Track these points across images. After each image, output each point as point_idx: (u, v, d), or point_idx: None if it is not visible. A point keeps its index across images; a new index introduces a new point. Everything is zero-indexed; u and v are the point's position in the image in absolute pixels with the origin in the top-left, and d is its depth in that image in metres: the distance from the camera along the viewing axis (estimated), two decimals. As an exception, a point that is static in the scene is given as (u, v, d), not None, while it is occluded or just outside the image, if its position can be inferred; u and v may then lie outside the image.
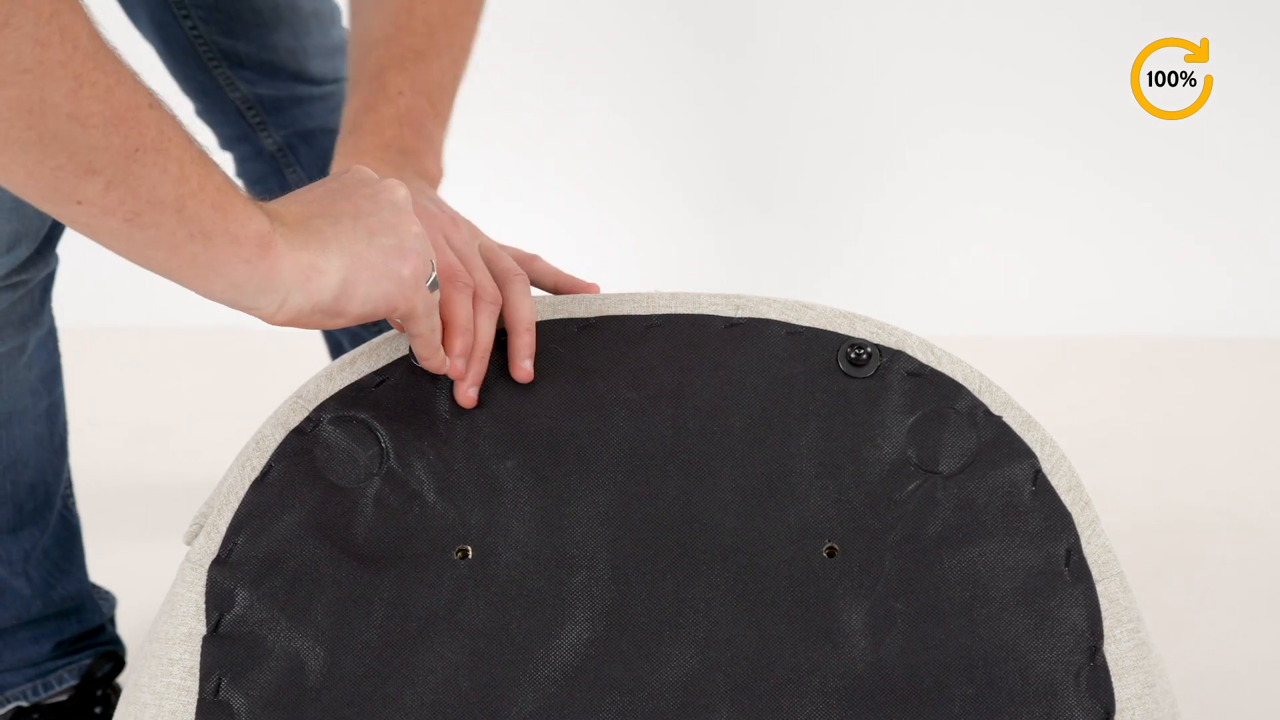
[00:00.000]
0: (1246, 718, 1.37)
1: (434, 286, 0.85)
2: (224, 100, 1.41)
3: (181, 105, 1.44)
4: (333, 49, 1.42)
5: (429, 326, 0.85)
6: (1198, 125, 2.02)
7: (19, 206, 1.01)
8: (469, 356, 0.88)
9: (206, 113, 1.45)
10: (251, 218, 0.74)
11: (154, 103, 0.70)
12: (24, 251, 1.03)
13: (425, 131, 1.01)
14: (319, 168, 1.44)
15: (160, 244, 0.72)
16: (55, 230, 1.09)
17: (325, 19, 1.41)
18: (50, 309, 1.16)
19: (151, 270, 0.74)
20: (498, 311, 0.91)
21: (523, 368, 0.90)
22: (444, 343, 0.88)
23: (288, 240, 0.76)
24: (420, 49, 1.03)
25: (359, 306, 0.80)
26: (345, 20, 1.33)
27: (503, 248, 0.97)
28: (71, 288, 1.24)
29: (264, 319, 0.78)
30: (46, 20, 0.64)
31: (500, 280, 0.93)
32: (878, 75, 2.31)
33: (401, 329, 0.88)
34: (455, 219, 0.96)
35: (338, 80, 1.44)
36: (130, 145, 0.68)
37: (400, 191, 0.84)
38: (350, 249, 0.79)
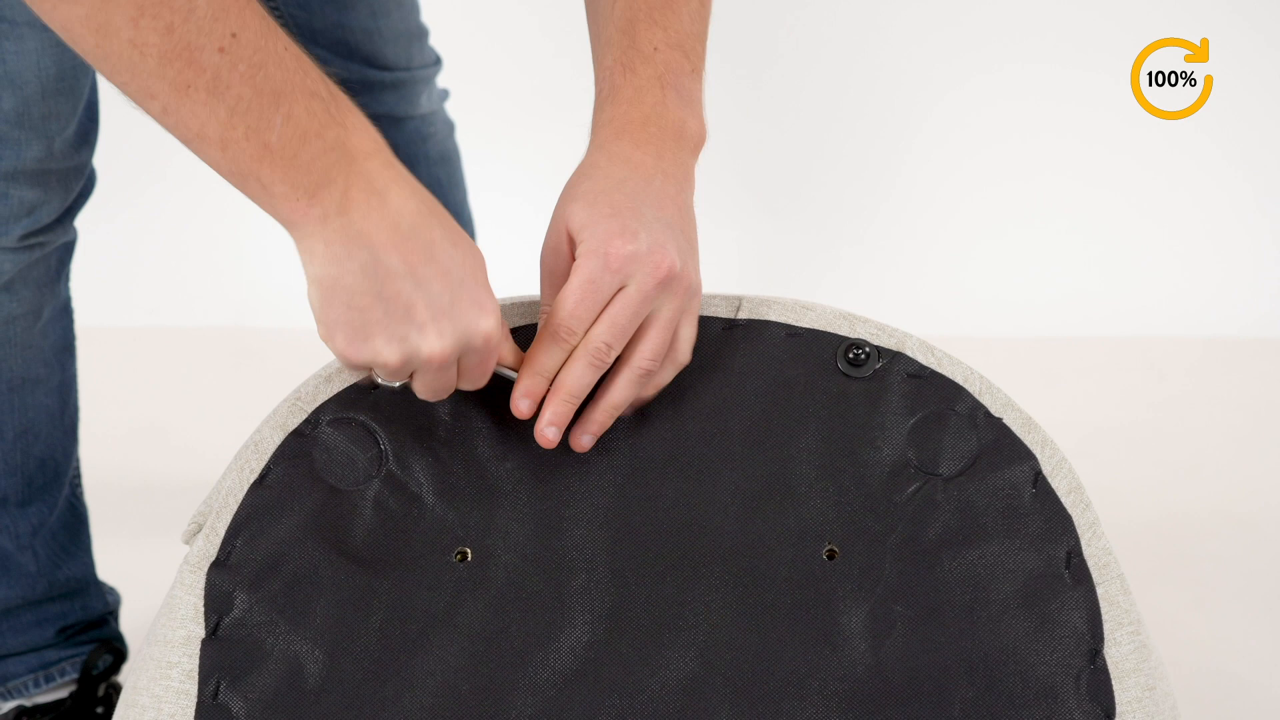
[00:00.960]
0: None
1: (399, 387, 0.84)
2: None
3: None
4: (410, 35, 1.41)
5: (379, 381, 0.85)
6: (1198, 125, 2.02)
7: (41, 178, 1.05)
8: (534, 397, 0.85)
9: None
10: (289, 180, 0.77)
11: (228, 46, 0.74)
12: (44, 217, 1.09)
13: (685, 91, 0.93)
14: None
15: (211, 166, 0.78)
16: (76, 203, 1.14)
17: (406, 4, 1.40)
18: (67, 285, 1.20)
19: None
20: (600, 371, 0.85)
21: (580, 439, 0.87)
22: (520, 380, 0.85)
23: (325, 218, 0.78)
24: None
25: (324, 330, 0.80)
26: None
27: (680, 334, 0.89)
28: (76, 288, 1.24)
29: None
30: None
31: (624, 360, 0.86)
32: (878, 75, 2.31)
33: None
34: (660, 269, 0.85)
35: (410, 69, 1.43)
36: (183, 81, 0.74)
37: (482, 326, 0.81)
38: (341, 280, 0.78)
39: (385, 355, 0.80)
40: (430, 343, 0.79)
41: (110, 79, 0.76)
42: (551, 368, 0.85)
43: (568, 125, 1.02)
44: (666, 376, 0.88)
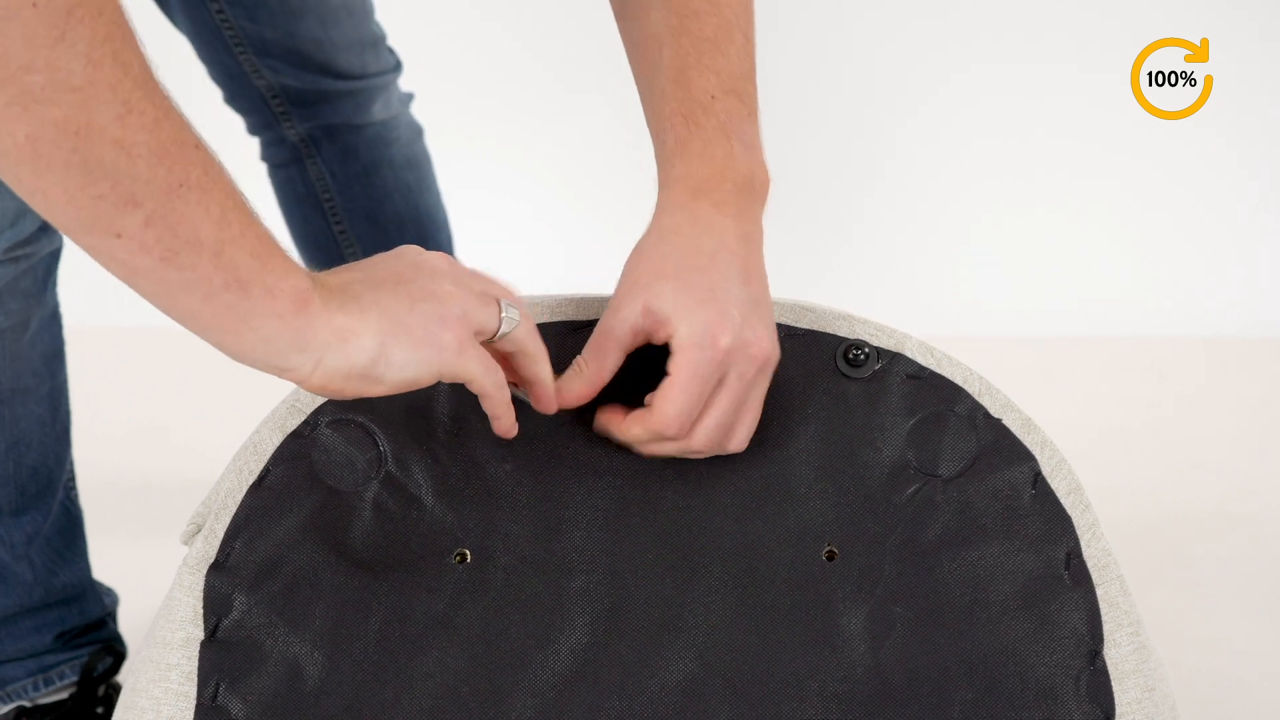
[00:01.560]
0: None
1: (513, 314, 0.81)
2: (249, 87, 1.41)
3: (211, 93, 1.45)
4: (363, 43, 1.42)
5: (492, 384, 0.80)
6: (1198, 125, 2.02)
7: None
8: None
9: (233, 99, 1.45)
10: (290, 273, 0.73)
11: (199, 143, 0.69)
12: (28, 226, 1.06)
13: (747, 139, 0.90)
14: (340, 161, 1.44)
15: (194, 289, 0.70)
16: None
17: (356, 12, 1.40)
18: (54, 292, 1.19)
19: (182, 322, 0.72)
20: (683, 451, 0.85)
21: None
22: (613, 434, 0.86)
23: (325, 301, 0.74)
24: (712, 35, 0.93)
25: (397, 372, 0.76)
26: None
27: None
28: (71, 288, 1.24)
29: (299, 381, 0.76)
30: (101, 42, 0.64)
31: (705, 422, 0.84)
32: (877, 75, 2.31)
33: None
34: (750, 349, 0.84)
35: (365, 76, 1.43)
36: (175, 180, 0.68)
37: (441, 263, 0.80)
38: (389, 313, 0.76)
39: (455, 295, 0.78)
40: (444, 265, 0.79)
41: (70, 200, 0.66)
42: (649, 452, 0.85)
43: (547, 128, 1.02)
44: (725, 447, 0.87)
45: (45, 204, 0.67)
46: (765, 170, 0.90)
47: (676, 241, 0.85)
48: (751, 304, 0.84)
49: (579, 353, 0.87)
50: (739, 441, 0.85)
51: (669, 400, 0.82)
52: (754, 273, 0.86)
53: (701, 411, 0.83)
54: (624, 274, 0.86)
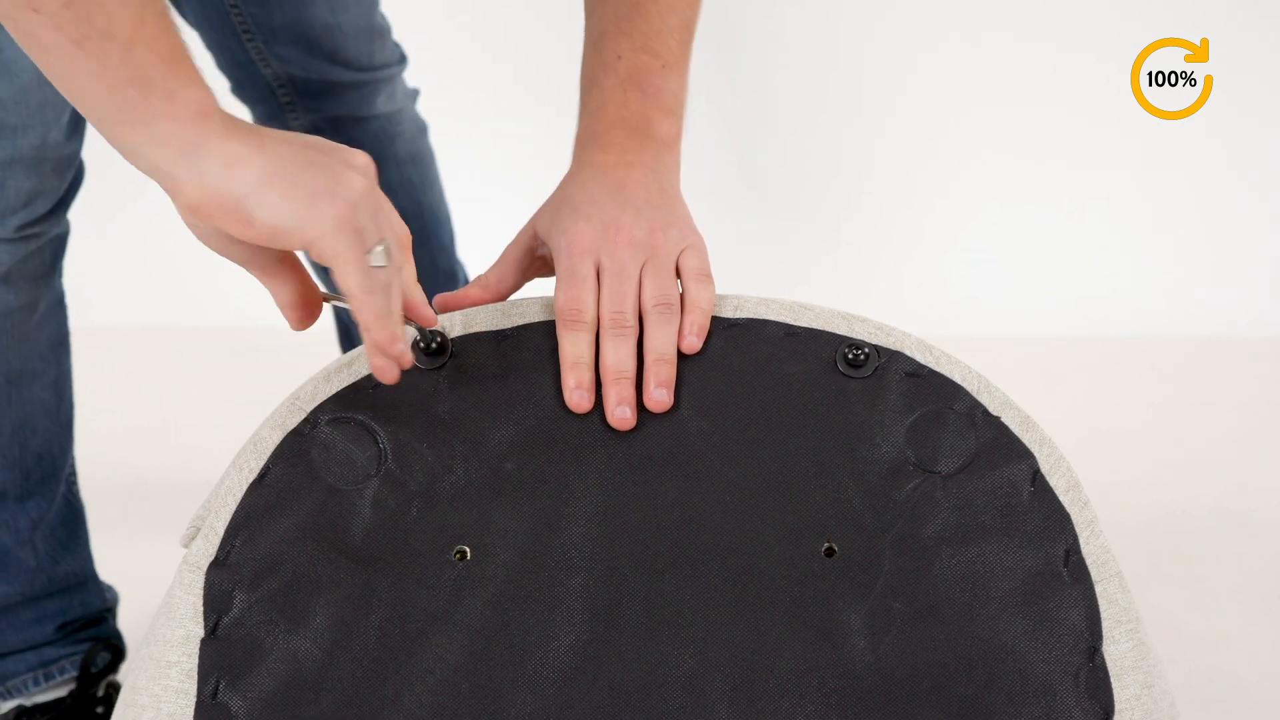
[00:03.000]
0: (1246, 718, 1.37)
1: (382, 258, 0.82)
2: (257, 76, 1.41)
3: (218, 83, 1.45)
4: (370, 31, 1.41)
5: (360, 286, 0.81)
6: (1198, 125, 2.02)
7: (37, 167, 1.05)
8: (584, 386, 0.89)
9: (240, 89, 1.45)
10: (193, 84, 0.75)
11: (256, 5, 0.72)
12: (40, 208, 1.09)
13: (652, 90, 0.98)
14: None
15: (100, 77, 0.72)
16: (69, 194, 1.14)
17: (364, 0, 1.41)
18: (60, 279, 1.20)
19: (85, 110, 0.74)
20: (632, 340, 0.90)
21: (655, 397, 0.89)
22: (564, 375, 0.89)
23: (225, 125, 0.76)
24: (635, 1, 1.00)
25: (268, 215, 0.77)
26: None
27: (684, 262, 0.94)
28: (74, 286, 1.25)
29: (179, 194, 0.77)
30: None
31: (646, 308, 0.92)
32: (877, 75, 2.31)
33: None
34: (622, 234, 0.93)
35: (373, 68, 1.43)
36: None
37: (359, 159, 0.83)
38: (280, 159, 0.78)
39: (355, 182, 0.80)
40: (353, 159, 0.82)
41: None
42: (579, 354, 0.89)
43: (549, 125, 1.04)
44: (704, 294, 0.92)
45: None
46: (672, 117, 0.99)
47: (562, 184, 0.96)
48: (618, 204, 0.93)
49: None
50: (652, 299, 0.91)
51: (556, 295, 0.91)
52: (633, 185, 0.94)
53: (599, 293, 0.91)
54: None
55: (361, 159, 0.84)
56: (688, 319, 0.91)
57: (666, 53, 1.00)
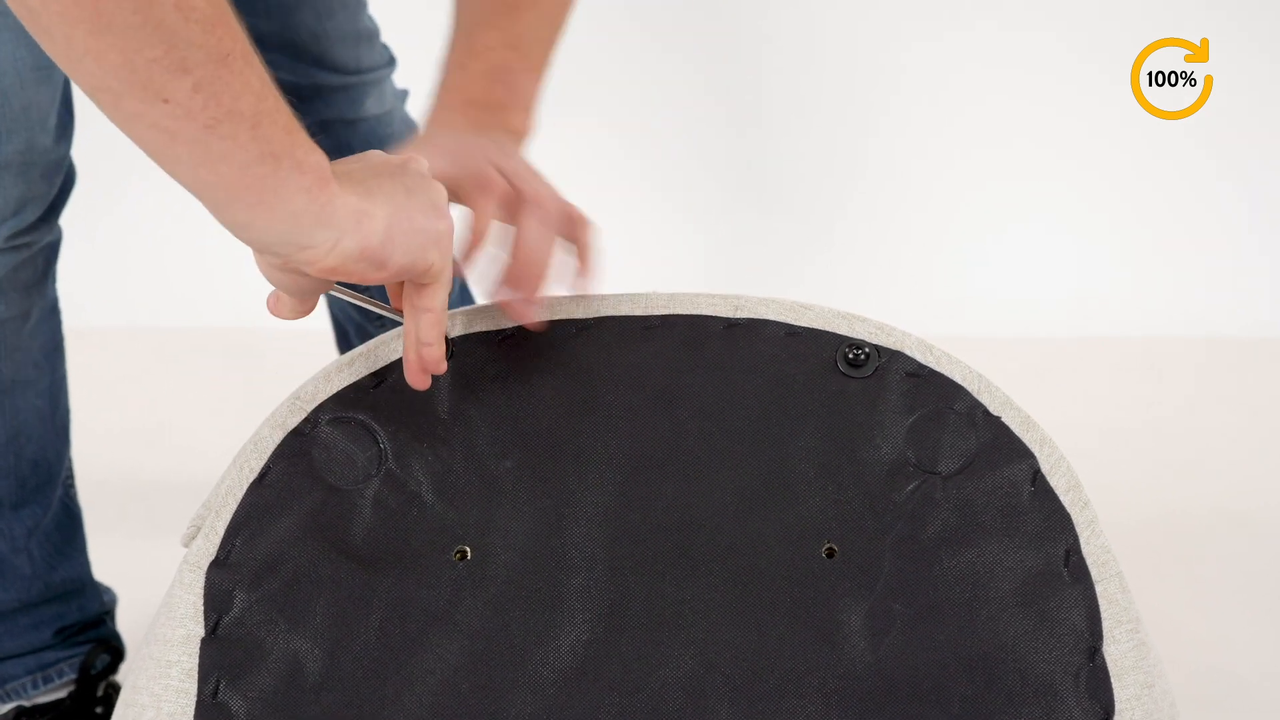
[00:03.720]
0: (1246, 718, 1.36)
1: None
2: None
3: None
4: (358, 36, 1.41)
5: (443, 301, 0.84)
6: (1198, 125, 2.02)
7: (25, 173, 1.04)
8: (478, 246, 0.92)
9: None
10: (314, 150, 0.76)
11: (240, 19, 0.72)
12: (30, 215, 1.07)
13: (513, 85, 1.01)
14: (334, 156, 1.44)
15: (232, 158, 0.72)
16: (59, 200, 1.12)
17: (351, 5, 1.40)
18: (54, 284, 1.19)
19: (213, 193, 0.74)
20: (551, 228, 0.93)
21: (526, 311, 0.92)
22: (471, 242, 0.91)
23: (340, 181, 0.78)
24: (512, 2, 1.03)
25: (401, 256, 0.80)
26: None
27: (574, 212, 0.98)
28: (71, 288, 1.24)
29: (313, 262, 0.77)
30: None
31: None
32: (877, 75, 2.31)
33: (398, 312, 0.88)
34: (515, 159, 0.97)
35: (360, 71, 1.43)
36: (224, 49, 0.70)
37: (423, 163, 0.86)
38: (392, 199, 0.80)
39: (450, 226, 0.83)
40: (442, 192, 0.84)
41: (127, 61, 0.68)
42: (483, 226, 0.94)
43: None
44: (542, 190, 0.95)
45: (97, 67, 0.68)
46: (527, 117, 1.02)
47: (416, 139, 0.98)
48: (491, 144, 0.96)
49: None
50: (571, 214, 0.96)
51: (464, 184, 0.94)
52: (411, 164, 0.92)
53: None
54: None
55: (424, 163, 0.86)
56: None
57: (534, 57, 1.03)
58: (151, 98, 0.69)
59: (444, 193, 0.84)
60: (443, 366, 0.86)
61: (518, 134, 1.01)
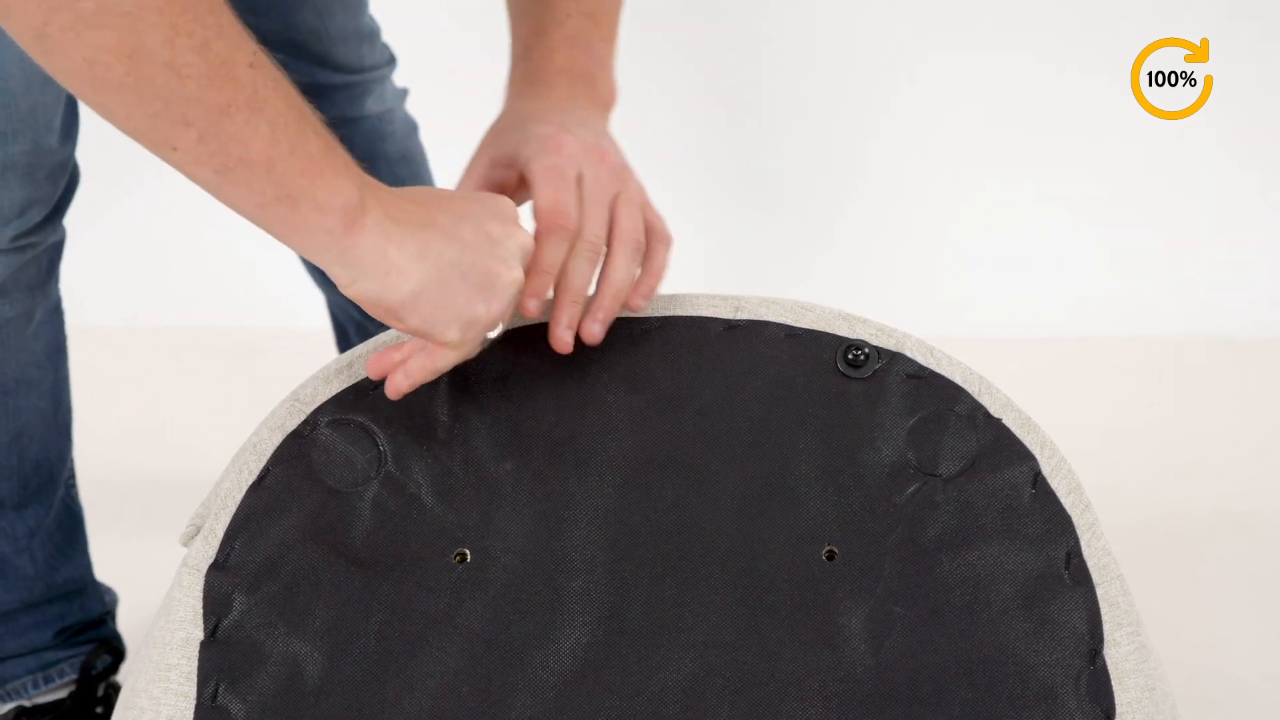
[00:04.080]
0: None
1: (490, 341, 0.85)
2: None
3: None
4: (359, 35, 1.41)
5: (447, 365, 0.85)
6: (1198, 125, 2.01)
7: (31, 174, 1.05)
8: (540, 294, 0.88)
9: None
10: (340, 191, 0.75)
11: (256, 62, 0.73)
12: (35, 216, 1.07)
13: (595, 52, 1.00)
14: None
15: (249, 200, 0.74)
16: (63, 200, 1.12)
17: (352, 4, 1.40)
18: (57, 285, 1.19)
19: (246, 218, 0.76)
20: (596, 261, 0.90)
21: (591, 329, 0.89)
22: (526, 283, 0.88)
23: (380, 225, 0.77)
24: None
25: (418, 322, 0.80)
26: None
27: (650, 218, 0.95)
28: (71, 288, 1.24)
29: (339, 287, 0.79)
30: None
31: (613, 239, 0.92)
32: (877, 75, 2.31)
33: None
34: (606, 159, 0.93)
35: (362, 70, 1.43)
36: (224, 101, 0.71)
37: (519, 239, 0.84)
38: (438, 267, 0.79)
39: (516, 275, 0.82)
40: (517, 237, 0.83)
41: (134, 114, 0.70)
42: (555, 262, 0.89)
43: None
44: (664, 258, 0.93)
45: (108, 117, 0.71)
46: (611, 82, 1.00)
47: (509, 113, 0.95)
48: (589, 130, 0.93)
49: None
50: (631, 233, 0.91)
51: (541, 196, 0.90)
52: (591, 117, 0.94)
53: (580, 208, 0.90)
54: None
55: (521, 233, 0.84)
56: (645, 279, 0.92)
57: (606, 25, 1.02)
58: (161, 145, 0.72)
59: (511, 280, 0.82)
60: (521, 308, 0.87)
61: (605, 103, 1.00)
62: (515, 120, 0.96)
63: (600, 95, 1.00)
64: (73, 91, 0.71)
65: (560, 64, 0.99)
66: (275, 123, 0.73)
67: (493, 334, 0.85)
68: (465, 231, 0.81)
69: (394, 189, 0.82)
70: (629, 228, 0.91)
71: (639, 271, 0.92)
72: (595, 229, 0.90)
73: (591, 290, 0.91)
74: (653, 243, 0.93)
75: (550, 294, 0.90)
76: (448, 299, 0.80)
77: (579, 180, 0.91)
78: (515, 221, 0.84)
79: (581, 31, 1.00)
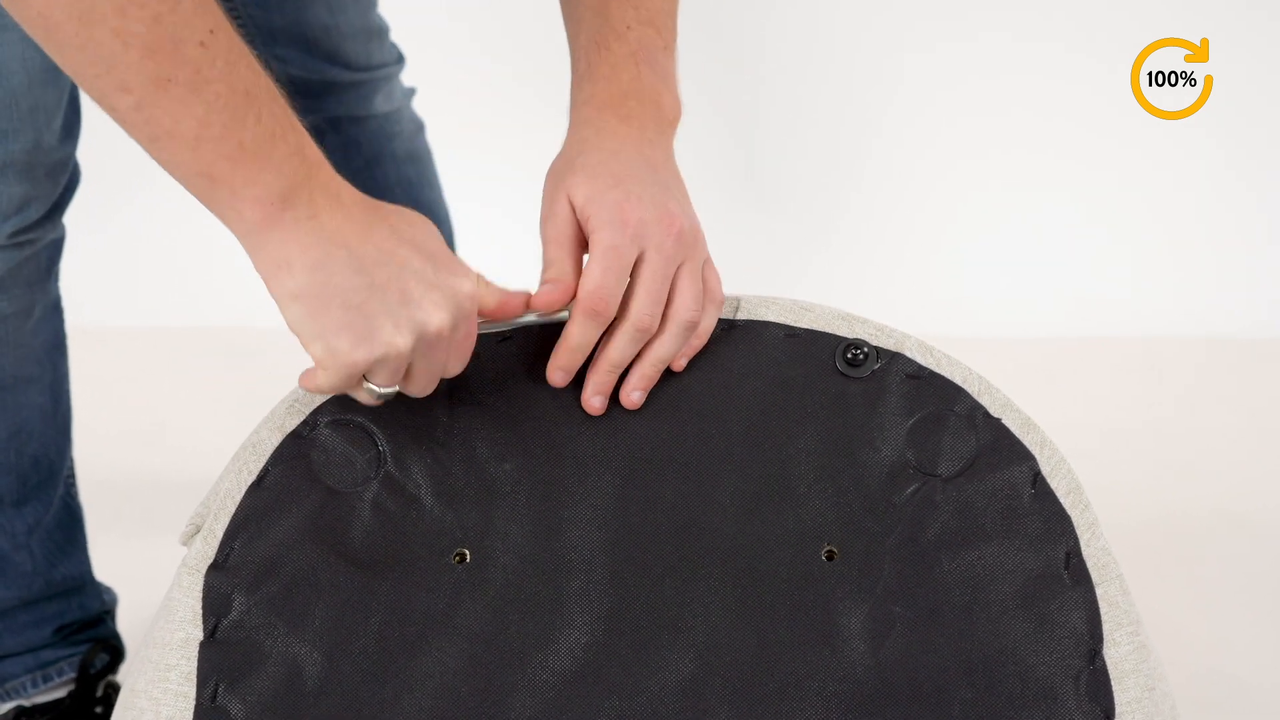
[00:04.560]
0: None
1: (371, 400, 0.83)
2: None
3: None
4: (369, 32, 1.41)
5: (320, 388, 0.82)
6: (1198, 125, 2.01)
7: (30, 171, 1.05)
8: (570, 371, 0.88)
9: None
10: (261, 182, 0.76)
11: (208, 41, 0.74)
12: (33, 214, 1.08)
13: (659, 66, 0.96)
14: (342, 154, 1.44)
15: (174, 167, 0.76)
16: (63, 198, 1.13)
17: (362, 0, 1.41)
18: (56, 283, 1.20)
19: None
20: (641, 340, 0.88)
21: (630, 397, 0.89)
22: (554, 356, 0.88)
23: (296, 225, 0.78)
24: None
25: (290, 320, 0.79)
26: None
27: (707, 280, 0.92)
28: (71, 287, 1.24)
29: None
30: None
31: (667, 317, 0.89)
32: (877, 75, 2.31)
33: None
34: (674, 227, 0.88)
35: (370, 68, 1.43)
36: (163, 74, 0.73)
37: (452, 303, 0.81)
38: (327, 288, 0.78)
39: (398, 342, 0.79)
40: (431, 315, 0.80)
41: (79, 71, 0.74)
42: (588, 344, 0.87)
43: (546, 122, 1.03)
44: (711, 321, 0.91)
45: (62, 66, 0.74)
46: (676, 99, 0.97)
47: (583, 147, 0.91)
48: (660, 188, 0.89)
49: (591, 353, 0.89)
50: (685, 312, 0.88)
51: (589, 275, 0.86)
52: (660, 164, 0.91)
53: (631, 285, 0.87)
54: (545, 184, 0.91)
55: (445, 319, 0.81)
56: (694, 343, 0.90)
57: (667, 31, 0.99)
58: (104, 105, 0.74)
59: (401, 342, 0.79)
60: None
61: (671, 121, 0.96)
62: (582, 157, 0.91)
63: (665, 115, 0.96)
64: (32, 37, 0.74)
65: (626, 85, 0.95)
66: (213, 105, 0.74)
67: (383, 389, 0.82)
68: (388, 270, 0.80)
69: (363, 197, 0.81)
70: (684, 306, 0.88)
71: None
72: (648, 311, 0.87)
73: None
74: (705, 306, 0.91)
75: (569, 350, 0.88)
76: (320, 316, 0.79)
77: (640, 259, 0.87)
78: (461, 312, 0.82)
79: (644, 43, 0.96)
